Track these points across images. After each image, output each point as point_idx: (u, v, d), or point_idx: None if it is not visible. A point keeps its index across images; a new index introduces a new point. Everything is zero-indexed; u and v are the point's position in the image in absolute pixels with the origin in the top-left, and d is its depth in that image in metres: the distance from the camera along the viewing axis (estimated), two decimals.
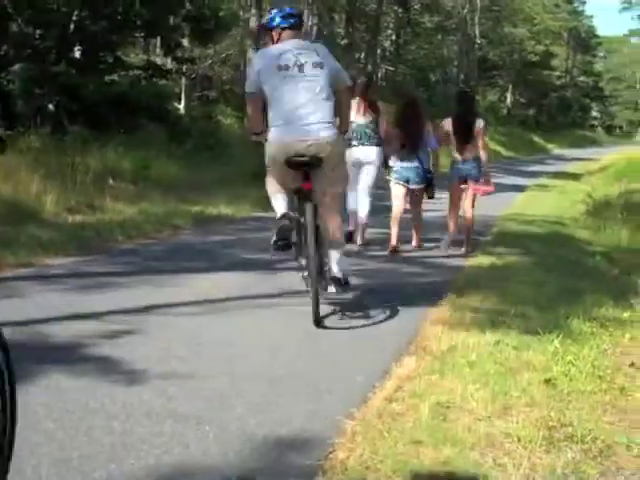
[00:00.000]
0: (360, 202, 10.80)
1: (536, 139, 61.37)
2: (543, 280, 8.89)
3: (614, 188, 20.68)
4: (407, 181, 10.84)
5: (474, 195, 10.94)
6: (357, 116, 10.48)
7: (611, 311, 7.38)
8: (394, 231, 10.72)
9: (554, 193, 22.92)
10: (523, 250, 11.25)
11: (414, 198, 11.14)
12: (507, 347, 5.95)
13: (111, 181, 14.39)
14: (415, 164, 10.78)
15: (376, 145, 10.75)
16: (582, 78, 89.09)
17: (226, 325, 6.54)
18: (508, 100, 68.59)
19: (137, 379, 5.02)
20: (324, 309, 7.16)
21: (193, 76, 27.37)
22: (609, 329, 6.71)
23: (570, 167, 37.60)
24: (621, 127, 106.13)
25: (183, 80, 25.61)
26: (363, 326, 6.77)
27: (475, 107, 11.67)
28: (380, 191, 11.56)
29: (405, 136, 10.73)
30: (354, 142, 10.62)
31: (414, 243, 11.31)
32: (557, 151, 58.83)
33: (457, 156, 10.82)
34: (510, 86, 68.51)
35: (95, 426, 4.25)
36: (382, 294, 8.12)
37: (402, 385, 5.09)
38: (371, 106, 10.84)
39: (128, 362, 5.35)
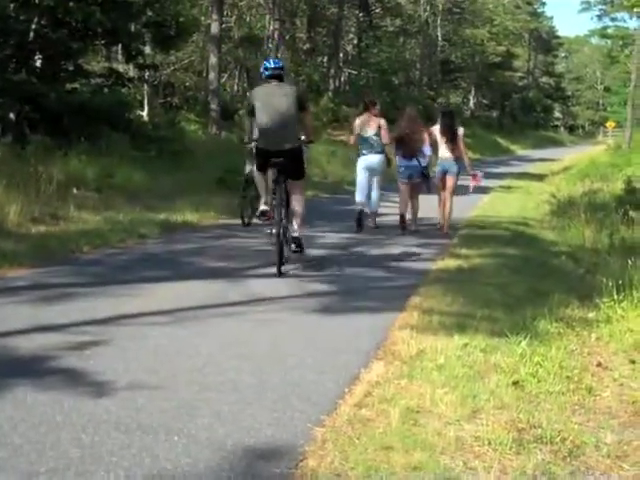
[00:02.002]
0: (373, 196, 13.87)
1: (500, 140, 61.65)
2: (510, 282, 8.94)
3: (577, 188, 20.82)
4: (409, 177, 13.81)
5: (452, 188, 13.85)
6: (365, 129, 13.55)
7: (577, 311, 7.43)
8: (404, 217, 13.71)
9: (519, 194, 23.07)
10: (489, 252, 11.31)
11: (414, 191, 13.97)
12: (475, 350, 5.98)
13: (75, 190, 14.28)
14: (414, 163, 13.73)
15: (381, 153, 13.60)
16: (544, 79, 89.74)
17: (193, 334, 6.50)
18: (471, 102, 68.93)
19: (104, 391, 4.98)
20: (291, 314, 7.18)
21: (155, 83, 27.28)
22: (576, 329, 6.76)
23: (534, 168, 37.85)
24: (583, 127, 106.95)
25: (145, 87, 25.50)
26: (331, 332, 6.75)
27: (455, 120, 14.56)
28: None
29: (407, 144, 13.66)
30: (364, 151, 13.63)
31: (413, 227, 13.89)
32: (521, 152, 59.18)
33: (441, 155, 13.77)
34: (473, 88, 68.82)
35: (63, 439, 4.21)
36: (349, 299, 8.11)
37: (371, 390, 5.10)
38: (375, 120, 13.59)
39: (95, 374, 5.31)
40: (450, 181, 13.79)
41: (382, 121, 13.67)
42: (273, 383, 5.27)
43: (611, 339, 6.57)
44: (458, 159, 13.86)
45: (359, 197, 13.83)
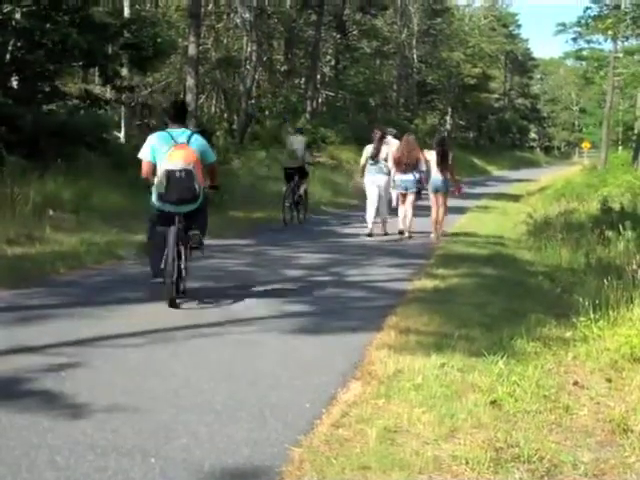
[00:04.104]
0: (381, 206, 16.53)
1: (476, 161, 61.78)
2: (487, 301, 8.95)
3: (554, 208, 20.89)
4: (406, 189, 16.29)
5: (445, 202, 16.56)
6: (378, 155, 16.42)
7: (554, 330, 7.45)
8: (401, 225, 16.36)
9: (495, 214, 23.14)
10: (466, 272, 11.32)
11: (409, 201, 16.25)
12: (452, 369, 5.98)
13: (51, 212, 14.19)
14: (410, 177, 16.15)
15: (386, 174, 16.37)
16: (520, 100, 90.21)
17: (170, 356, 6.47)
18: (448, 123, 69.14)
19: (81, 413, 4.95)
20: (269, 335, 7.16)
21: (133, 104, 27.25)
22: (552, 348, 6.77)
23: (511, 188, 38.01)
24: (559, 148, 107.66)
25: (122, 108, 25.45)
26: (308, 353, 6.74)
27: (449, 145, 17.33)
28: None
29: (406, 161, 16.05)
30: (372, 170, 16.44)
31: (406, 233, 16.22)
32: (497, 173, 59.40)
33: (434, 175, 16.20)
34: (449, 109, 69.07)
35: (38, 462, 4.18)
36: (327, 319, 8.10)
37: (349, 410, 5.09)
38: (385, 148, 16.54)
39: (71, 396, 5.27)
40: (440, 198, 16.40)
41: (387, 148, 16.59)
42: (250, 404, 5.25)
43: (588, 358, 6.59)
44: (447, 179, 16.41)
45: (370, 212, 16.43)
